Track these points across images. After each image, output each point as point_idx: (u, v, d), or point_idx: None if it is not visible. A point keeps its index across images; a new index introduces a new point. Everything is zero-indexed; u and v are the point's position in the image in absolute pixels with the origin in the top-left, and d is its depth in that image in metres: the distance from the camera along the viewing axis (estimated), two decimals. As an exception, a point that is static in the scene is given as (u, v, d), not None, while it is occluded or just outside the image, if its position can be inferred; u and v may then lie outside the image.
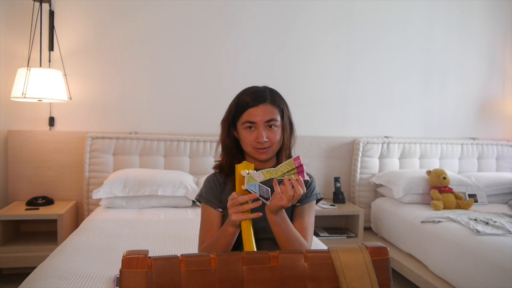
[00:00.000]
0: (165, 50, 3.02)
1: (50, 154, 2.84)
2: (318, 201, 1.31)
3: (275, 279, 0.74)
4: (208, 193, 1.28)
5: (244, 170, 1.08)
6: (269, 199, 1.06)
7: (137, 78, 3.00)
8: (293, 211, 1.25)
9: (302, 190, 1.03)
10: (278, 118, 1.21)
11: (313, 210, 1.28)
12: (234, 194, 1.07)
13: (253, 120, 1.19)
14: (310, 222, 1.25)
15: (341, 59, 3.31)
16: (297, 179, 1.03)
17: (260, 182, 1.06)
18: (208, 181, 1.31)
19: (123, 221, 2.31)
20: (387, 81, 3.41)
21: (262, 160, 1.24)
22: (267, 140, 1.19)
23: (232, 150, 1.28)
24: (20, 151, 2.79)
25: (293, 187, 1.04)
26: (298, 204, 1.24)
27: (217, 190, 1.28)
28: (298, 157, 1.05)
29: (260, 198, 1.06)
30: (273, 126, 1.20)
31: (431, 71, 3.51)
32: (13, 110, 2.81)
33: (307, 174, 1.19)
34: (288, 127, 1.26)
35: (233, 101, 1.26)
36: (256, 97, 1.20)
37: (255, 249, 1.05)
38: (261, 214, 1.05)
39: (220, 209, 1.27)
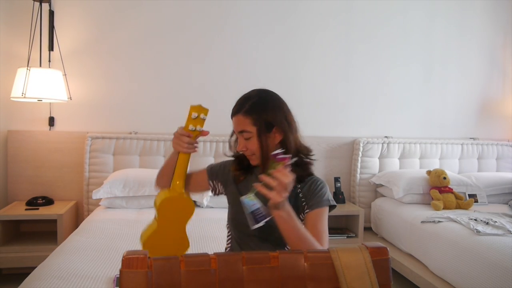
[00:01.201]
0: (165, 50, 3.02)
1: (50, 154, 2.84)
2: (332, 208, 1.24)
3: (275, 279, 0.74)
4: (217, 167, 1.40)
5: (196, 112, 1.15)
6: (260, 221, 1.04)
7: (137, 78, 3.00)
8: (304, 217, 1.22)
9: (285, 176, 0.98)
10: (250, 128, 1.19)
11: (325, 216, 1.21)
12: (181, 131, 1.19)
13: (233, 130, 1.26)
14: (322, 228, 1.17)
15: (341, 58, 3.31)
16: (275, 170, 0.99)
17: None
18: (227, 161, 1.39)
19: (123, 221, 2.31)
20: (387, 81, 3.41)
21: (255, 165, 1.27)
22: (245, 149, 1.22)
23: (239, 155, 1.32)
24: (20, 151, 2.79)
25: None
26: (308, 210, 1.21)
27: (225, 173, 1.36)
28: (275, 154, 1.03)
29: (251, 214, 1.04)
30: (247, 137, 1.21)
31: (431, 71, 3.51)
32: (13, 110, 2.81)
33: (315, 179, 1.23)
34: (264, 135, 1.19)
35: None
36: (234, 107, 1.24)
37: (183, 182, 1.22)
38: (208, 132, 1.22)
39: (211, 182, 1.39)
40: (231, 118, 1.25)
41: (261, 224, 1.03)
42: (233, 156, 1.36)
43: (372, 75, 3.38)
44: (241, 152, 1.25)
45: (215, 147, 2.98)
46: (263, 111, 1.20)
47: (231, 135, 1.31)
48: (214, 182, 1.39)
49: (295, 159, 1.07)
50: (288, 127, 1.23)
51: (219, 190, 1.39)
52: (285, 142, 1.22)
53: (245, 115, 1.20)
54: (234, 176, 1.33)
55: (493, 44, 3.64)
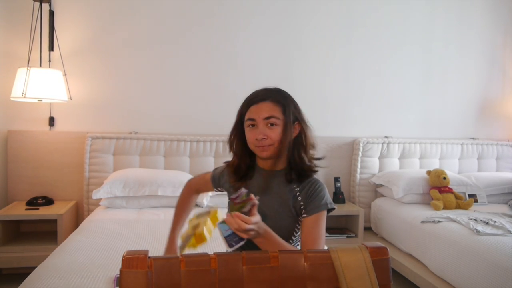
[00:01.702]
0: (165, 50, 3.02)
1: (50, 154, 2.84)
2: (330, 211, 1.23)
3: (275, 279, 0.74)
4: (217, 175, 1.40)
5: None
6: (234, 245, 1.03)
7: (137, 78, 3.00)
8: (301, 221, 1.21)
9: (238, 223, 0.99)
10: (279, 115, 1.18)
11: (322, 221, 1.19)
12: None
13: (253, 117, 1.18)
14: (317, 234, 1.16)
15: (341, 58, 3.31)
16: (232, 214, 1.02)
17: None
18: (222, 169, 1.38)
19: (123, 221, 2.31)
20: (387, 81, 3.41)
21: (264, 158, 1.22)
22: (265, 137, 1.16)
23: (241, 152, 1.28)
24: (20, 151, 2.79)
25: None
26: (305, 215, 1.19)
27: (222, 180, 1.37)
28: (234, 198, 1.06)
29: (225, 239, 1.04)
30: (273, 124, 1.17)
31: (431, 71, 3.51)
32: (13, 110, 2.81)
33: (314, 181, 1.23)
34: (295, 127, 1.23)
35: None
36: (258, 94, 1.21)
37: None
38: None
39: (215, 190, 1.42)
40: (251, 105, 1.19)
41: (235, 248, 1.03)
42: (227, 164, 1.34)
43: (372, 75, 3.38)
44: (259, 140, 1.18)
45: (215, 147, 2.98)
46: (291, 103, 1.24)
47: (231, 136, 1.27)
48: (220, 188, 1.42)
49: (256, 198, 1.06)
50: (307, 124, 1.28)
51: (222, 191, 1.43)
52: (302, 137, 1.24)
53: (275, 103, 1.19)
54: (234, 187, 1.28)
55: (493, 44, 3.64)
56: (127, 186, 2.56)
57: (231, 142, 1.29)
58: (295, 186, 1.24)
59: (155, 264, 0.70)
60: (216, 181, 1.40)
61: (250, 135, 1.20)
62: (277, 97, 1.21)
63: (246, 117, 1.20)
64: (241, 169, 1.27)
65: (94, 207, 2.75)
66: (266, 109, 1.18)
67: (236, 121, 1.27)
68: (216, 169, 1.43)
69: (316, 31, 3.25)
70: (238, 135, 1.26)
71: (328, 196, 1.23)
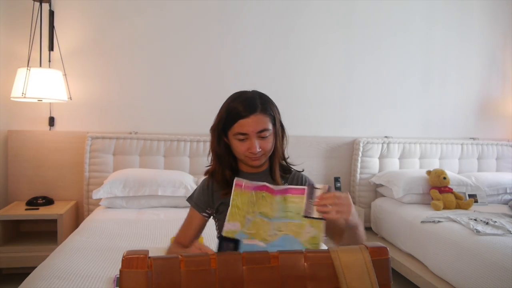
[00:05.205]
0: (165, 50, 3.02)
1: (50, 154, 2.84)
2: None
3: (275, 279, 0.74)
4: (198, 197, 1.31)
5: None
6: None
7: (137, 78, 3.00)
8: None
9: (333, 200, 0.99)
10: (270, 126, 1.19)
11: None
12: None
13: (245, 132, 1.17)
14: None
15: (341, 59, 3.31)
16: (319, 188, 0.99)
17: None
18: (203, 183, 1.32)
19: (123, 221, 2.31)
20: (387, 81, 3.41)
21: (255, 166, 1.24)
22: (260, 149, 1.18)
23: (224, 159, 1.26)
24: (20, 151, 2.79)
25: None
26: None
27: (209, 195, 1.29)
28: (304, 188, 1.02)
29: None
30: (265, 136, 1.18)
31: (431, 71, 3.51)
32: (13, 110, 2.81)
33: (298, 174, 1.25)
34: (280, 132, 1.25)
35: (222, 108, 1.22)
36: (246, 106, 1.16)
37: None
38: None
39: (205, 213, 1.30)
40: (240, 119, 1.16)
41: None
42: (206, 172, 1.31)
43: (372, 75, 3.38)
44: (254, 153, 1.17)
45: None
46: (275, 109, 1.24)
47: (217, 142, 1.24)
48: (208, 210, 1.31)
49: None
50: (282, 132, 1.28)
51: (212, 212, 1.33)
52: (277, 144, 1.24)
53: (264, 114, 1.18)
54: (225, 193, 1.24)
55: (492, 44, 3.64)
56: (127, 186, 2.56)
57: (216, 152, 1.26)
58: (283, 182, 1.28)
59: (155, 264, 0.70)
60: (200, 202, 1.30)
61: (242, 147, 1.19)
62: (264, 106, 1.19)
63: (236, 130, 1.17)
64: (226, 177, 1.26)
65: (94, 207, 2.75)
66: (258, 122, 1.16)
67: (217, 128, 1.22)
68: (190, 196, 1.34)
69: (316, 30, 3.25)
70: (222, 143, 1.25)
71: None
